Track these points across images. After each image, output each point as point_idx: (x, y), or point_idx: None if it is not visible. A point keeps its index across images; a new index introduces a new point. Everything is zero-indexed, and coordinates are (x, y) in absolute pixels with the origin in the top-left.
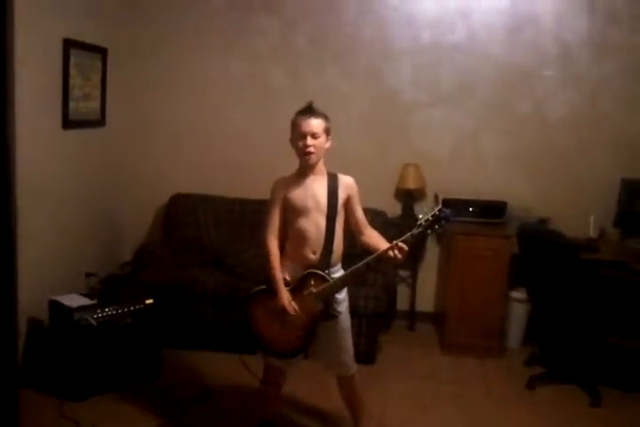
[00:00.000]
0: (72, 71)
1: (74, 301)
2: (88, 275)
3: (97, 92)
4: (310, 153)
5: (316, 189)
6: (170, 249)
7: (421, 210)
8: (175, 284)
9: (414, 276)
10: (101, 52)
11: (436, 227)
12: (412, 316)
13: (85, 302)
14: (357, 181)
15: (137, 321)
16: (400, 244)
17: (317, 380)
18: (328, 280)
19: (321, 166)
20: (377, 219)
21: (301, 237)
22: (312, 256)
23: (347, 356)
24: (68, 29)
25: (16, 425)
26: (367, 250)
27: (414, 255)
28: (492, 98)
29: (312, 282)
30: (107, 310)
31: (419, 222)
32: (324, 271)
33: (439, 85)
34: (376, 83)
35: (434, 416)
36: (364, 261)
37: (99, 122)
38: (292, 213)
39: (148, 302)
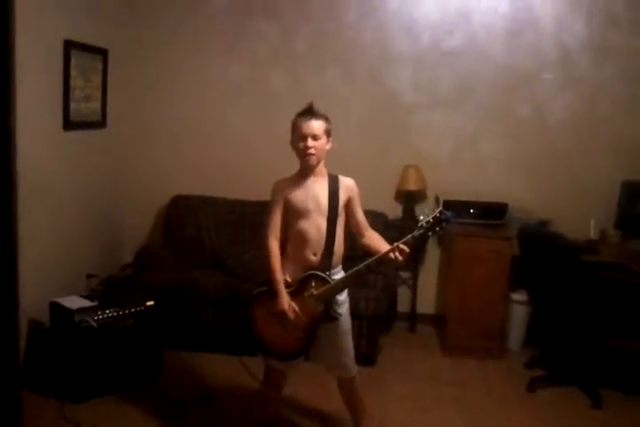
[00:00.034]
0: (73, 72)
1: (74, 302)
2: (89, 276)
3: (98, 94)
4: (311, 155)
5: (316, 190)
6: (170, 251)
7: (422, 212)
8: (176, 285)
9: (415, 277)
10: (102, 53)
11: (437, 229)
12: (413, 318)
13: (86, 303)
14: (358, 183)
15: (138, 323)
16: (401, 246)
17: (318, 382)
18: (329, 282)
19: (322, 168)
20: (378, 220)
21: (302, 239)
22: (313, 258)
23: (347, 358)
24: (69, 31)
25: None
26: (368, 252)
27: (415, 257)
28: (491, 101)
29: (313, 284)
30: (107, 311)
31: (419, 224)
32: (324, 273)
33: (439, 88)
34: (376, 86)
35: (434, 418)
36: (365, 262)
37: (99, 123)
38: (292, 214)
39: (149, 303)
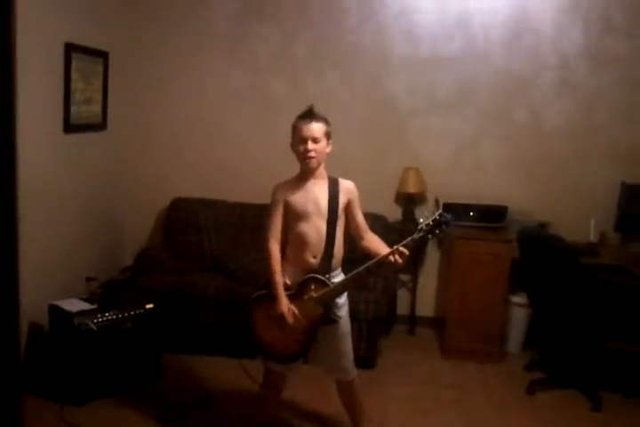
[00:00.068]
0: (74, 75)
1: (74, 305)
2: (88, 279)
3: (98, 96)
4: (311, 157)
5: (316, 193)
6: (170, 253)
7: (422, 214)
8: (176, 288)
9: (415, 280)
10: (103, 56)
11: (437, 231)
12: (413, 320)
13: (86, 306)
14: (358, 186)
15: (137, 326)
16: (401, 248)
17: (317, 384)
18: (328, 285)
19: (322, 171)
20: (377, 223)
21: (302, 242)
22: (312, 261)
23: (346, 360)
24: (70, 33)
25: None
26: (368, 254)
27: (415, 260)
28: (491, 105)
29: (312, 286)
30: (107, 314)
31: (419, 227)
32: (324, 276)
33: (438, 92)
34: (376, 89)
35: (434, 421)
36: (365, 265)
37: (100, 126)
38: (292, 217)
39: (149, 306)
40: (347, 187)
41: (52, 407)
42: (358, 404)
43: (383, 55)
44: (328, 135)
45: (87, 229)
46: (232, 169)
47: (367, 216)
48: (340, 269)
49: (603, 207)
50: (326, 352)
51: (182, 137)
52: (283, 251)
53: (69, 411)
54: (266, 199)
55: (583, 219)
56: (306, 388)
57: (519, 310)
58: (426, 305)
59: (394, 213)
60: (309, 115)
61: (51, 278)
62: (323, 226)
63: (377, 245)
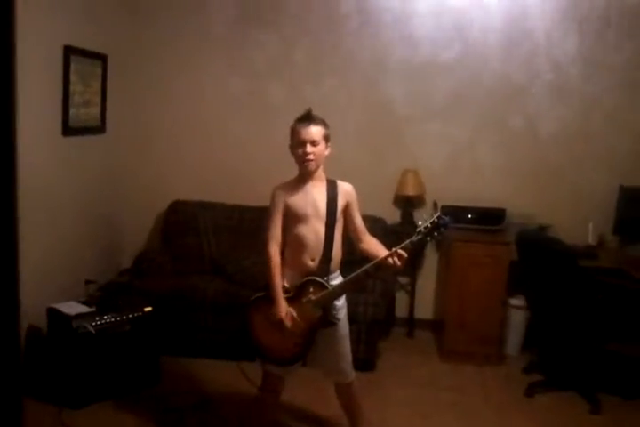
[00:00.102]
0: (72, 78)
1: (72, 308)
2: (87, 282)
3: (97, 99)
4: (310, 160)
5: (315, 195)
6: (169, 256)
7: (420, 217)
8: (175, 291)
9: (413, 283)
10: (102, 58)
11: (436, 234)
12: (411, 323)
13: (84, 309)
14: (356, 188)
15: (136, 329)
16: (399, 251)
17: (316, 387)
18: (327, 287)
19: (320, 173)
20: (376, 226)
21: (300, 244)
22: (311, 263)
23: (345, 363)
24: (69, 36)
25: None
26: (366, 257)
27: (413, 262)
28: (487, 110)
29: (311, 289)
30: (105, 317)
31: (418, 229)
32: (322, 278)
33: (435, 97)
34: (374, 94)
35: (433, 423)
36: (363, 268)
37: (99, 128)
38: (291, 219)
39: (147, 309)
40: (345, 189)
41: (50, 410)
42: (357, 406)
43: (381, 60)
44: (327, 138)
45: (86, 232)
46: (231, 172)
47: (366, 219)
48: (338, 272)
49: (601, 210)
50: (325, 355)
51: (181, 140)
52: (281, 253)
53: (68, 414)
54: (265, 202)
55: (581, 222)
56: (304, 391)
57: (518, 313)
58: (424, 307)
59: (392, 216)
60: (308, 118)
61: (49, 281)
62: (321, 228)
63: (375, 247)
